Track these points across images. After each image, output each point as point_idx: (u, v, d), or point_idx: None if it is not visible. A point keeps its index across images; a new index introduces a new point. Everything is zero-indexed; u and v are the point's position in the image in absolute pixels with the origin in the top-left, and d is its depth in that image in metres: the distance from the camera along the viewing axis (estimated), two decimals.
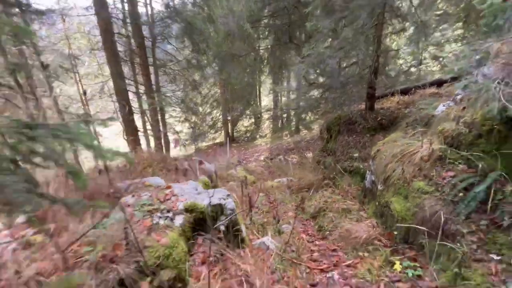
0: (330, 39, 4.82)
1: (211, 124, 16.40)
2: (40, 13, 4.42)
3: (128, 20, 8.32)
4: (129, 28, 8.48)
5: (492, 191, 1.94)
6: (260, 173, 7.25)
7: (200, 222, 2.02)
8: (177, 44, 10.06)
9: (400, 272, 2.10)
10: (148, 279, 1.37)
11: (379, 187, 2.92)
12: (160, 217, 1.73)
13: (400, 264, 2.16)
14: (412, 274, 2.03)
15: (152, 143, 9.23)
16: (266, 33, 10.78)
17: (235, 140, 16.60)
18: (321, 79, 5.45)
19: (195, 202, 2.05)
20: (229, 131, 16.43)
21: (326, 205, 3.66)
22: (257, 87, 15.25)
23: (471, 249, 1.86)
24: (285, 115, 16.16)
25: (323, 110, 5.90)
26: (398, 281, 2.04)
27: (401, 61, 7.75)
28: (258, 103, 17.00)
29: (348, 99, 4.97)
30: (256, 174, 7.14)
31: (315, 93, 6.07)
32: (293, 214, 3.88)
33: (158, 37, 8.98)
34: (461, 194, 2.08)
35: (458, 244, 1.90)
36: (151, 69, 8.88)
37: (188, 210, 1.96)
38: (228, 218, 2.14)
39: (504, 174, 1.97)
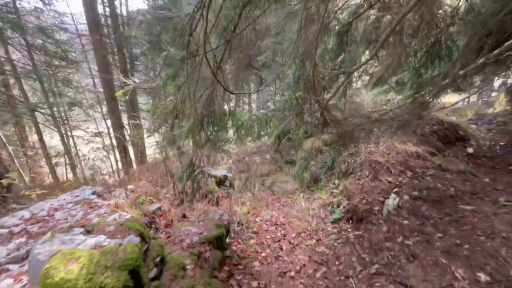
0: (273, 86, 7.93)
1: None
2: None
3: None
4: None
5: (331, 162, 5.06)
6: (233, 171, 9.95)
7: (218, 181, 4.72)
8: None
9: (302, 198, 5.08)
10: (211, 194, 4.06)
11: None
12: (207, 178, 4.39)
13: (303, 195, 5.14)
14: (305, 197, 5.03)
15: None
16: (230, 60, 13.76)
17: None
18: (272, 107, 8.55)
19: (215, 174, 4.75)
20: None
21: (276, 180, 6.60)
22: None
23: (324, 182, 4.94)
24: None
25: (275, 125, 8.97)
26: (301, 202, 5.01)
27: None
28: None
29: (290, 118, 8.10)
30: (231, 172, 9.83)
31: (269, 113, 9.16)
32: (258, 187, 6.74)
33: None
34: (323, 164, 5.18)
35: (320, 182, 4.96)
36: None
37: (214, 176, 4.64)
38: (230, 181, 4.88)
39: (334, 156, 5.11)
